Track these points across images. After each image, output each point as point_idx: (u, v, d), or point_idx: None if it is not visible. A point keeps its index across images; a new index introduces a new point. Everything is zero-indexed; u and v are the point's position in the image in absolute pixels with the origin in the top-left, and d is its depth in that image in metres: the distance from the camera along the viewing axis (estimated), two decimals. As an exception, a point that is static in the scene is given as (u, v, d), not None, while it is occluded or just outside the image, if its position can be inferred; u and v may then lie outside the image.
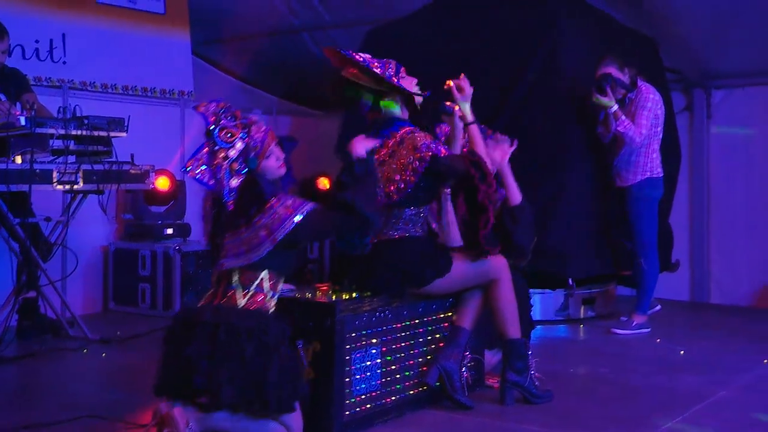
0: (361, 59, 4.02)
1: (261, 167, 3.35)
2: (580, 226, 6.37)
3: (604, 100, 5.97)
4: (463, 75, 4.35)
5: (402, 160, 3.94)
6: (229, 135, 3.30)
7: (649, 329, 6.08)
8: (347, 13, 8.18)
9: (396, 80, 4.03)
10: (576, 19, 6.58)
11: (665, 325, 6.30)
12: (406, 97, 4.11)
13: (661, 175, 6.16)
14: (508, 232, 4.44)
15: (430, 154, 3.91)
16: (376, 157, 4.00)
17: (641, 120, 5.97)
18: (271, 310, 3.37)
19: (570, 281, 6.44)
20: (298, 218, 3.26)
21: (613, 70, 6.00)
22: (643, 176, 6.08)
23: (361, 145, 3.60)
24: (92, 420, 3.84)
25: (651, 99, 6.03)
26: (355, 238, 3.78)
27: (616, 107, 5.96)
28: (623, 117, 5.95)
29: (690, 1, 6.82)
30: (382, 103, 4.07)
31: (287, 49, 8.86)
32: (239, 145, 3.30)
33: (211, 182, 3.30)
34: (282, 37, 8.76)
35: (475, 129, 4.25)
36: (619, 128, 5.96)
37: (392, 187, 3.95)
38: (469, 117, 4.27)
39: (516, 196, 4.51)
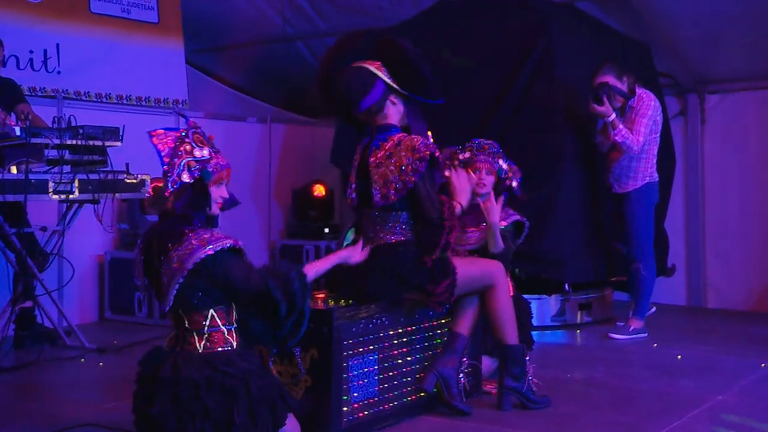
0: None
1: (208, 189, 3.27)
2: (575, 231, 6.38)
3: (600, 110, 5.97)
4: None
5: (400, 162, 3.94)
6: (200, 141, 3.29)
7: (646, 334, 6.08)
8: (341, 21, 8.19)
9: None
10: (569, 25, 6.60)
11: (662, 330, 6.31)
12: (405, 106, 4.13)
13: (657, 180, 6.17)
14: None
15: (429, 152, 3.92)
16: (372, 160, 4.01)
17: (639, 128, 5.97)
18: (235, 345, 3.25)
19: (566, 287, 6.45)
20: (209, 250, 3.13)
21: (611, 79, 5.98)
22: (643, 182, 6.08)
23: (313, 270, 3.46)
24: (90, 429, 3.83)
25: (651, 106, 6.02)
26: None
27: (613, 116, 5.95)
28: (621, 126, 5.94)
29: (683, 6, 6.84)
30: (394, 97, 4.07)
31: (282, 57, 8.88)
32: (206, 152, 3.26)
33: (166, 159, 3.24)
34: (276, 46, 8.78)
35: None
36: (616, 138, 5.95)
37: (391, 189, 3.95)
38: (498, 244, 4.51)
39: (499, 244, 4.57)
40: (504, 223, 4.64)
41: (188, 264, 3.11)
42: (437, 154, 3.98)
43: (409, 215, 4.03)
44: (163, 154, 3.26)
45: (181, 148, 3.25)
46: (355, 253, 3.78)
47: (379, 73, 4.03)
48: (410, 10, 7.61)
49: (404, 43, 4.05)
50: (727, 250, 7.50)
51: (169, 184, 3.22)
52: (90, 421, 3.91)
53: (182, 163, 3.23)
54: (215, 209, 3.32)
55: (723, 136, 7.55)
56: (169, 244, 3.17)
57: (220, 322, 3.23)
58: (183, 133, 3.28)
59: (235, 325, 3.29)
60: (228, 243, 3.17)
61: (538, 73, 6.33)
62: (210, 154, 3.28)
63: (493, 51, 6.52)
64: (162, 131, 3.30)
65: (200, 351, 3.20)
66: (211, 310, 3.21)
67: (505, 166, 4.74)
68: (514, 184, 4.75)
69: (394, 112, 4.09)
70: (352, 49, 4.18)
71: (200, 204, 3.26)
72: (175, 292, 3.15)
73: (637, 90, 6.07)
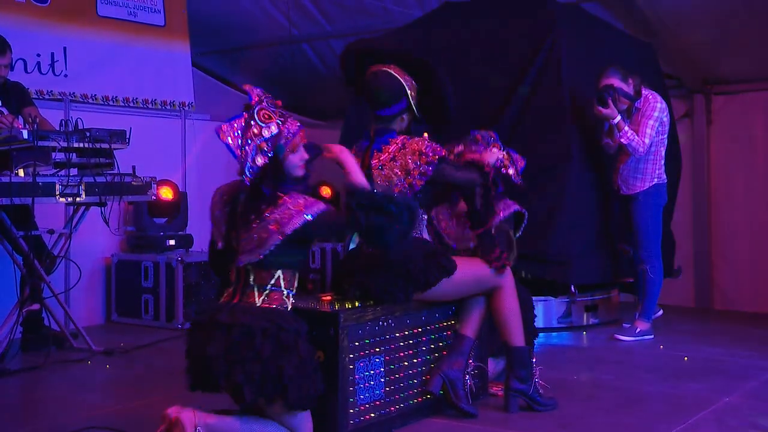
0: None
1: (286, 159, 3.38)
2: (581, 233, 6.37)
3: (605, 112, 5.97)
4: None
5: (406, 166, 3.95)
6: (267, 116, 3.35)
7: (652, 336, 6.08)
8: (347, 23, 8.20)
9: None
10: (575, 26, 6.59)
11: (668, 332, 6.30)
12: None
13: (666, 181, 6.16)
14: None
15: (437, 157, 3.95)
16: (374, 162, 4.02)
17: (645, 129, 5.96)
18: (289, 308, 3.40)
19: (572, 288, 6.44)
20: (308, 216, 3.30)
21: (615, 81, 5.98)
22: (651, 183, 6.07)
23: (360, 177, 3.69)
24: (96, 431, 3.85)
25: (657, 108, 6.01)
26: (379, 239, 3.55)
27: (618, 119, 5.95)
28: (626, 128, 5.94)
29: (690, 7, 6.83)
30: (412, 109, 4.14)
31: (287, 59, 8.89)
32: (274, 128, 3.33)
33: (238, 151, 3.31)
34: (282, 48, 8.79)
35: None
36: (622, 140, 5.95)
37: (395, 191, 3.96)
38: None
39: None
40: (501, 215, 4.62)
41: (287, 229, 3.26)
42: (444, 153, 4.01)
43: (425, 212, 4.07)
44: (233, 147, 3.32)
45: (249, 134, 3.31)
46: None
47: (409, 92, 4.10)
48: (416, 12, 7.62)
49: (444, 78, 4.16)
50: (734, 251, 7.50)
51: (247, 172, 3.31)
52: (97, 423, 3.91)
53: (254, 148, 3.31)
54: (299, 172, 3.43)
55: (729, 137, 7.54)
56: (263, 206, 3.31)
57: (283, 284, 3.38)
58: (248, 117, 3.33)
59: (294, 292, 3.44)
60: (323, 207, 3.33)
61: (544, 74, 6.32)
62: (278, 127, 3.35)
63: (499, 52, 6.52)
64: (226, 125, 3.34)
65: (258, 305, 3.33)
66: (280, 271, 3.37)
67: (500, 154, 4.67)
68: (511, 171, 4.68)
69: (398, 125, 4.14)
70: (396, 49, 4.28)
71: (281, 178, 3.36)
72: (267, 252, 3.29)
73: (642, 91, 6.06)
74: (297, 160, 3.41)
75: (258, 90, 3.42)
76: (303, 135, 3.44)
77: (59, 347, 5.74)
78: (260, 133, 3.31)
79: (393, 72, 4.10)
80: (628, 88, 6.03)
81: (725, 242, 7.53)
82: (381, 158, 4.02)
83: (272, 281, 3.36)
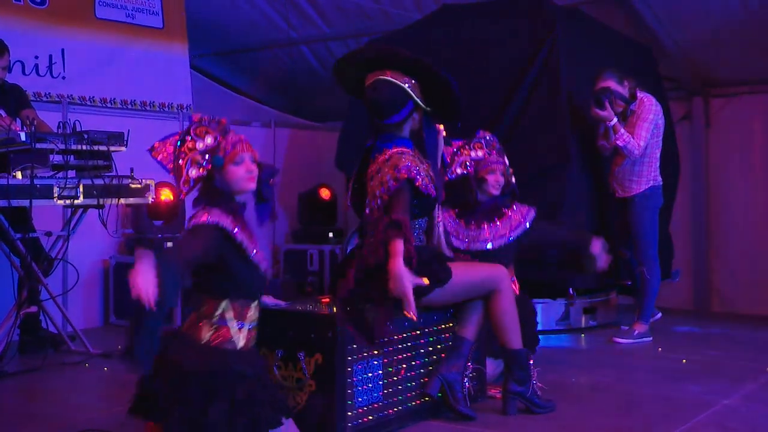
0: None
1: (228, 171, 3.20)
2: (580, 235, 6.37)
3: (602, 115, 5.99)
4: None
5: (383, 177, 3.93)
6: (204, 132, 3.23)
7: (650, 338, 6.07)
8: (346, 25, 8.20)
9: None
10: (573, 28, 6.59)
11: (667, 334, 6.30)
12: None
13: (661, 183, 6.17)
14: None
15: (405, 176, 3.87)
16: (370, 169, 4.02)
17: (641, 132, 5.98)
18: (240, 345, 3.19)
19: (571, 291, 6.44)
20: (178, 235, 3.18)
21: (612, 84, 6.01)
22: (647, 185, 6.08)
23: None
24: (94, 434, 3.84)
25: (653, 110, 6.03)
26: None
27: (614, 121, 5.97)
28: (622, 130, 5.96)
29: (688, 10, 6.84)
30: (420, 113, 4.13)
31: (286, 62, 8.89)
32: (209, 140, 3.21)
33: (170, 166, 3.20)
34: (280, 50, 8.80)
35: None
36: (618, 142, 5.97)
37: (374, 203, 3.95)
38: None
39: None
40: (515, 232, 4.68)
41: (183, 252, 3.05)
42: (418, 183, 3.90)
43: (426, 221, 4.07)
44: (165, 163, 3.22)
45: (183, 149, 3.21)
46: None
47: (412, 93, 4.07)
48: (414, 14, 7.62)
49: (448, 76, 4.09)
50: (732, 253, 7.49)
51: (181, 185, 3.19)
52: (94, 426, 3.91)
53: (188, 161, 3.19)
54: (247, 185, 3.22)
55: (728, 140, 7.54)
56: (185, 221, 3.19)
57: (229, 315, 3.16)
58: (182, 133, 3.25)
59: (252, 324, 3.23)
60: (197, 223, 3.11)
61: (542, 77, 6.32)
62: (215, 139, 3.22)
63: (498, 55, 6.52)
64: (159, 142, 3.26)
65: (204, 340, 3.14)
66: (225, 301, 3.16)
67: (507, 161, 4.75)
68: (513, 180, 4.76)
69: (409, 126, 4.13)
70: (387, 54, 4.19)
71: (220, 191, 3.19)
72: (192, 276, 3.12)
73: (638, 94, 6.08)
74: (242, 172, 3.20)
75: (204, 116, 3.31)
76: (249, 148, 3.24)
77: (57, 350, 5.74)
78: (194, 147, 3.20)
79: (390, 78, 4.06)
80: (624, 90, 6.05)
81: (723, 244, 7.53)
82: (372, 169, 4.02)
83: (217, 313, 3.16)
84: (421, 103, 4.10)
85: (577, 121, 6.38)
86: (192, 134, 3.23)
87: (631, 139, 5.96)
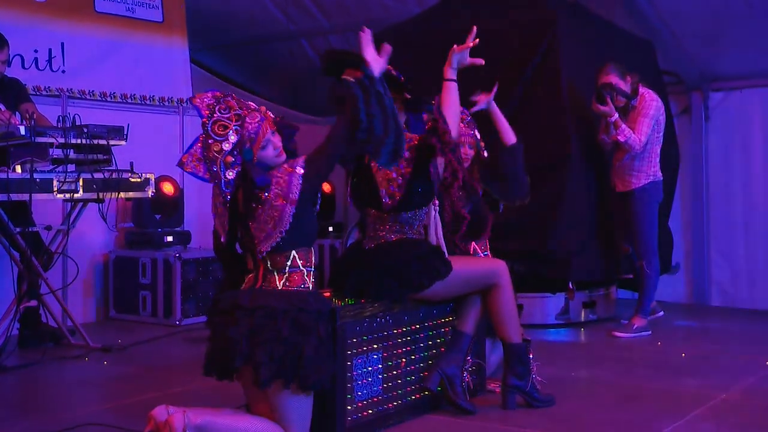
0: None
1: (258, 158, 3.34)
2: (580, 230, 6.37)
3: (604, 110, 6.01)
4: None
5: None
6: (222, 128, 3.30)
7: (649, 332, 6.08)
8: (344, 18, 8.19)
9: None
10: (574, 23, 6.59)
11: (666, 328, 6.31)
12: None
13: (661, 178, 6.18)
14: (509, 170, 4.52)
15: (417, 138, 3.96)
16: (373, 164, 4.02)
17: (642, 127, 6.01)
18: (310, 286, 3.44)
19: (570, 285, 6.45)
20: (300, 170, 3.33)
21: (614, 78, 6.04)
22: (647, 180, 6.11)
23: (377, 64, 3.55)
24: (94, 428, 3.83)
25: (654, 106, 6.06)
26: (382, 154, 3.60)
27: (616, 116, 6.00)
28: (623, 125, 5.99)
29: (687, 3, 6.83)
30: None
31: (285, 55, 8.89)
32: (233, 137, 3.30)
33: (207, 176, 3.31)
34: (280, 44, 8.79)
35: (451, 86, 4.13)
36: (619, 137, 6.01)
37: (393, 186, 3.96)
38: (450, 74, 4.16)
39: (510, 135, 4.55)
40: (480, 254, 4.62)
41: (293, 194, 3.30)
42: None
43: (408, 215, 4.04)
44: (201, 174, 3.32)
45: (211, 154, 3.30)
46: None
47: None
48: (413, 8, 7.62)
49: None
50: (732, 247, 7.49)
51: (224, 189, 3.31)
52: (94, 420, 3.92)
53: (221, 165, 3.30)
54: (279, 160, 3.39)
55: (727, 134, 7.54)
56: (257, 191, 3.30)
57: (300, 263, 3.41)
58: (203, 137, 3.32)
59: (313, 269, 3.47)
60: (302, 159, 3.38)
61: (542, 70, 6.32)
62: (237, 133, 3.31)
63: (497, 49, 6.50)
64: (186, 155, 3.34)
65: (279, 288, 3.37)
66: (293, 251, 3.39)
67: (478, 135, 4.64)
68: (485, 154, 4.65)
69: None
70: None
71: (257, 180, 3.31)
72: (287, 228, 3.32)
73: (640, 89, 6.08)
74: (270, 152, 3.37)
75: (207, 98, 3.36)
76: (269, 124, 3.37)
77: (56, 344, 5.75)
78: (221, 149, 3.28)
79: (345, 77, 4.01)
80: (626, 85, 6.07)
81: (723, 238, 7.53)
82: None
83: (289, 263, 3.38)
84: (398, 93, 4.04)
85: (578, 117, 6.37)
86: (213, 136, 3.31)
87: (632, 135, 5.97)
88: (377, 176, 4.02)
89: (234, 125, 3.31)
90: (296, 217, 3.32)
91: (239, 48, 9.00)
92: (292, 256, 3.39)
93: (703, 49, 7.25)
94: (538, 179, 5.86)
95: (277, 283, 3.38)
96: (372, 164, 4.04)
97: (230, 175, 3.30)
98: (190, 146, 3.35)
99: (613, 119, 6.01)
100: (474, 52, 4.34)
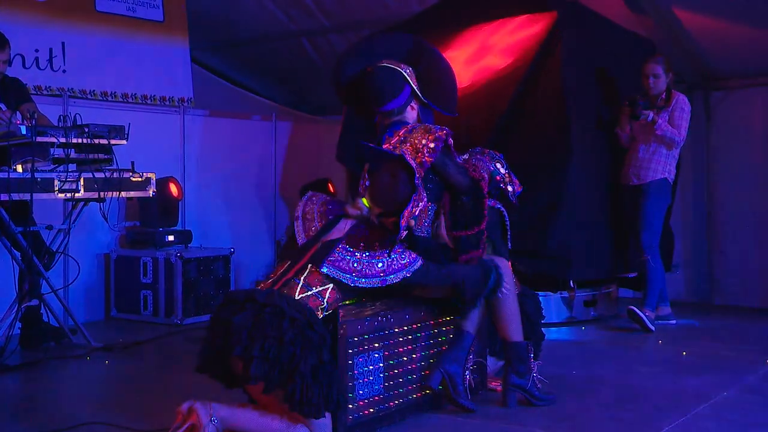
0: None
1: None
2: (581, 229, 6.37)
3: (640, 121, 6.27)
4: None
5: (416, 143, 3.92)
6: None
7: (654, 328, 6.11)
8: (345, 18, 8.19)
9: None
10: (575, 21, 6.59)
11: (667, 327, 6.31)
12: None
13: (673, 180, 6.32)
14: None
15: (445, 133, 3.92)
16: (385, 146, 3.99)
17: (681, 122, 6.26)
18: (320, 317, 3.49)
19: (571, 283, 6.45)
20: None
21: (659, 70, 6.29)
22: (663, 175, 6.29)
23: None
24: (96, 427, 3.84)
25: (689, 108, 6.33)
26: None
27: (651, 115, 6.19)
28: (660, 120, 6.20)
29: (689, 2, 6.83)
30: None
31: (286, 54, 8.88)
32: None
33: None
34: (281, 43, 8.78)
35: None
36: (658, 132, 6.20)
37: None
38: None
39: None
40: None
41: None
42: (451, 141, 3.97)
43: (434, 209, 4.05)
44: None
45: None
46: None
47: (410, 80, 4.11)
48: (414, 7, 7.61)
49: (444, 61, 4.18)
50: (733, 246, 7.50)
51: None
52: (96, 419, 3.92)
53: None
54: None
55: (728, 133, 7.54)
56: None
57: (327, 295, 3.56)
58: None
59: (328, 312, 3.57)
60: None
61: (543, 69, 6.32)
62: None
63: (499, 48, 6.51)
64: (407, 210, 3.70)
65: (297, 297, 3.47)
66: (332, 285, 3.57)
67: (502, 170, 4.64)
68: (509, 188, 4.63)
69: (410, 116, 4.15)
70: (386, 44, 4.24)
71: None
72: None
73: (673, 93, 6.35)
74: None
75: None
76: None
77: (58, 343, 5.75)
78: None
79: (387, 64, 4.11)
80: (663, 81, 6.30)
81: (724, 237, 7.53)
82: (392, 141, 3.98)
83: (319, 289, 3.53)
84: (417, 92, 4.12)
85: (580, 115, 6.37)
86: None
87: (670, 128, 6.20)
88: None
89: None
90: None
91: (240, 47, 9.00)
92: (327, 287, 3.57)
93: (705, 48, 7.25)
94: (538, 179, 5.89)
95: (297, 293, 3.49)
96: (383, 147, 4.03)
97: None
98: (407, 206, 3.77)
99: (649, 119, 6.18)
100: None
